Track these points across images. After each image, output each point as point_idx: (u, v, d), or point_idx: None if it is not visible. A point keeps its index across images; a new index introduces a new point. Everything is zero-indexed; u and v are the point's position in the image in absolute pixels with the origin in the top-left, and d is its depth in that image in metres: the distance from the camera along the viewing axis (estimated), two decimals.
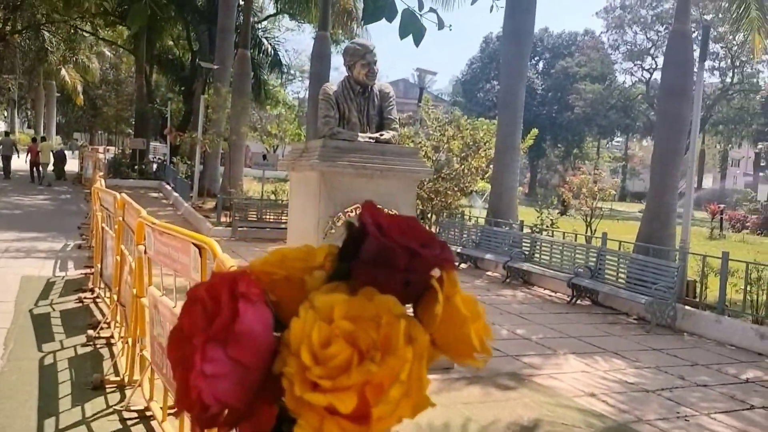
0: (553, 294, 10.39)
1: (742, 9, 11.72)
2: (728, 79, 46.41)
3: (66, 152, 32.02)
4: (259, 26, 30.90)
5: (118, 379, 5.11)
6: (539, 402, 5.34)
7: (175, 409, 1.44)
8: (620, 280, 9.46)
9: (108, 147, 41.82)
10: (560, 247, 11.01)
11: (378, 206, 0.45)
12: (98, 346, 5.97)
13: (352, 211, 5.68)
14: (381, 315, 0.40)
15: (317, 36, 17.00)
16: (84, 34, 35.17)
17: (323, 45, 16.51)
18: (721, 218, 24.80)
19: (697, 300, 8.76)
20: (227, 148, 20.28)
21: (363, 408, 0.39)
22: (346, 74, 6.14)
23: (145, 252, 4.21)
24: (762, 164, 56.88)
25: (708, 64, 51.38)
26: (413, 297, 0.43)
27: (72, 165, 32.03)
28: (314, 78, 16.90)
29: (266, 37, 30.68)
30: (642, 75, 53.06)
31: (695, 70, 10.03)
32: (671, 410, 5.45)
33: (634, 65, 52.64)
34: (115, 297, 6.09)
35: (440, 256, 0.42)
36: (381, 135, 5.91)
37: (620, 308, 9.30)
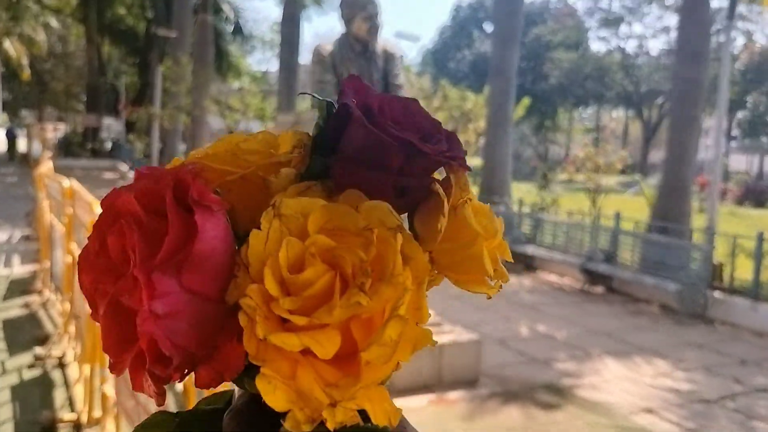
0: (560, 280, 9.52)
1: None
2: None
3: (17, 131, 30.08)
4: None
5: (73, 416, 4.02)
6: (594, 424, 4.43)
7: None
8: (636, 264, 8.64)
9: (58, 125, 39.58)
10: (566, 228, 10.14)
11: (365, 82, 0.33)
12: (48, 368, 4.84)
13: None
14: (371, 227, 0.30)
15: None
16: (27, 2, 32.77)
17: (293, 8, 15.18)
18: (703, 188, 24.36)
19: (726, 285, 7.98)
20: (188, 124, 18.83)
21: (349, 351, 0.29)
22: (342, 31, 5.05)
23: None
24: (733, 134, 57.23)
25: None
26: (409, 205, 0.33)
27: (22, 144, 30.13)
28: (284, 44, 15.63)
29: (227, 1, 28.92)
30: (617, 43, 52.54)
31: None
32: (743, 425, 4.62)
33: (609, 33, 51.98)
34: (68, 306, 4.95)
35: (447, 153, 0.32)
36: None
37: (638, 295, 8.47)
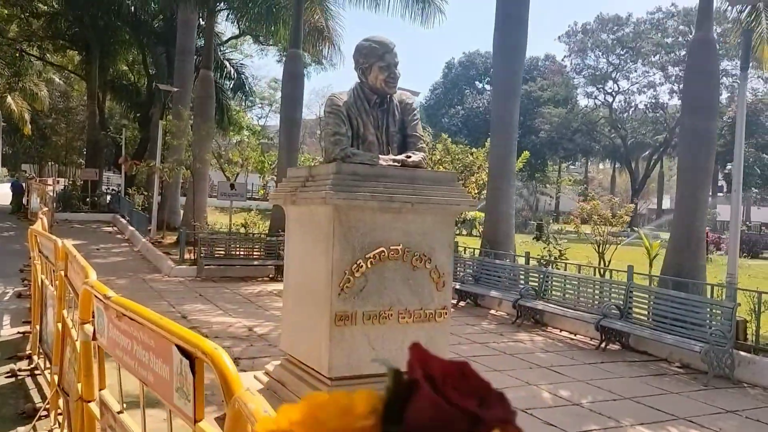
0: (573, 337, 9.12)
1: (752, 18, 10.85)
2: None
3: (24, 183, 29.97)
4: (221, 49, 29.45)
5: None
6: None
7: None
8: (652, 321, 8.27)
9: (58, 178, 39.49)
10: (576, 283, 9.79)
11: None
12: None
13: (375, 258, 4.30)
14: None
15: (289, 54, 15.64)
16: (31, 59, 33.09)
17: (296, 63, 15.18)
18: (707, 241, 24.11)
19: (751, 344, 7.59)
20: (188, 177, 18.63)
21: None
22: (358, 81, 4.81)
23: (95, 337, 2.75)
24: (719, 185, 57.44)
25: (668, 86, 52.22)
26: None
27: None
28: (286, 100, 15.55)
29: (228, 60, 29.19)
30: (604, 98, 53.35)
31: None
32: None
33: (596, 89, 52.88)
34: (56, 378, 4.55)
35: (503, 417, 0.36)
36: (408, 157, 4.57)
37: (657, 354, 8.07)
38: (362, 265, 4.26)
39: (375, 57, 4.61)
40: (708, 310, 7.79)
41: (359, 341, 4.29)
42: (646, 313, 8.46)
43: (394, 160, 4.52)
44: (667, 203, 68.42)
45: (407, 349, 0.38)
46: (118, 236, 21.12)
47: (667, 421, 5.58)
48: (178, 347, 1.79)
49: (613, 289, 9.09)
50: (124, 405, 2.60)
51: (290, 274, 4.97)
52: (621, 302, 8.67)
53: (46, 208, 12.81)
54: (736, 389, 6.79)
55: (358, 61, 4.71)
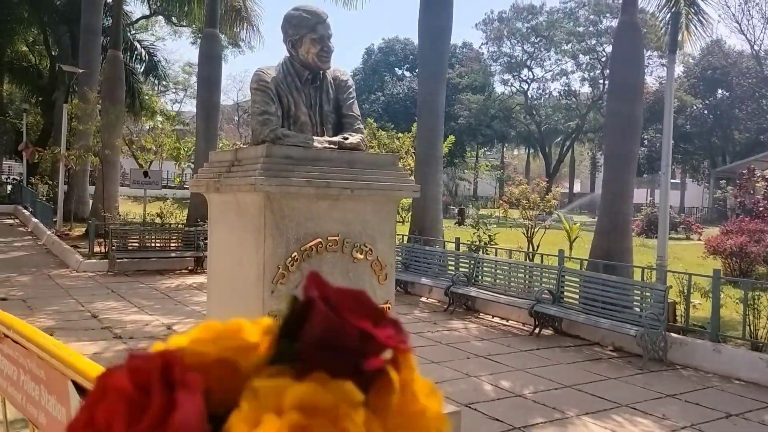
0: (506, 323, 9.01)
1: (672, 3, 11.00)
2: (601, 88, 48.20)
3: None
4: (131, 30, 27.84)
5: None
6: None
7: None
8: (582, 305, 8.25)
9: None
10: (507, 268, 9.69)
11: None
12: None
13: (311, 250, 3.89)
14: (338, 405, 0.35)
15: (205, 34, 14.79)
16: None
17: (213, 43, 14.38)
18: None
19: (680, 325, 7.67)
20: (97, 165, 17.42)
21: None
22: (287, 55, 4.35)
23: None
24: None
25: (579, 74, 53.87)
26: (363, 384, 0.37)
27: None
28: (203, 82, 14.75)
29: (138, 41, 27.63)
30: (520, 85, 54.51)
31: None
32: None
33: (512, 76, 53.94)
34: None
35: (396, 337, 0.38)
36: (345, 138, 4.16)
37: (589, 337, 8.06)
38: (297, 259, 3.83)
39: (306, 28, 4.15)
40: (639, 293, 7.82)
41: None
42: (577, 297, 8.43)
43: (330, 142, 4.09)
44: (577, 187, 70.90)
45: (305, 278, 0.38)
46: (20, 229, 19.63)
47: (611, 409, 5.47)
48: (75, 384, 1.34)
49: (544, 274, 9.03)
50: None
51: (214, 271, 4.46)
52: (553, 287, 8.61)
53: None
54: (671, 372, 6.82)
55: (287, 32, 4.24)
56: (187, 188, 20.21)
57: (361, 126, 4.41)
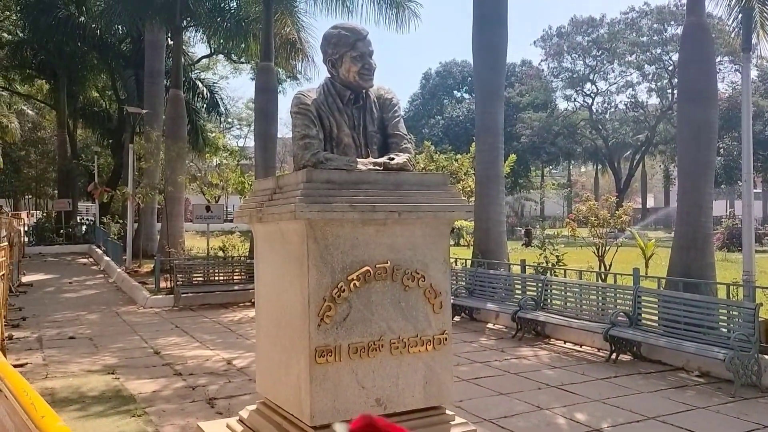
0: (579, 348, 8.47)
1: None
2: (670, 98, 46.47)
3: None
4: (193, 69, 28.75)
5: None
6: None
7: None
8: (662, 327, 7.63)
9: (33, 211, 38.47)
10: (578, 290, 9.14)
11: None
12: None
13: (358, 279, 3.62)
14: None
15: (260, 67, 15.00)
16: None
17: (268, 76, 14.53)
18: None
19: None
20: (163, 202, 17.85)
21: None
22: (327, 75, 4.15)
23: None
24: None
25: (645, 85, 52.07)
26: None
27: None
28: (259, 114, 14.90)
29: (200, 80, 28.48)
30: (583, 100, 53.21)
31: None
32: None
33: (575, 91, 52.71)
34: None
35: None
36: (391, 159, 3.90)
37: (672, 362, 7.44)
38: (344, 289, 3.57)
39: (346, 46, 3.95)
40: (725, 312, 7.17)
41: (346, 380, 3.59)
42: (657, 318, 7.83)
43: (375, 164, 3.84)
44: (651, 202, 68.33)
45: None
46: (93, 267, 20.24)
47: None
48: None
49: (618, 295, 8.46)
50: None
51: (261, 304, 4.25)
52: (629, 308, 8.03)
53: (4, 243, 11.97)
54: (766, 399, 6.16)
55: (326, 52, 4.05)
56: None
57: (409, 146, 4.13)
